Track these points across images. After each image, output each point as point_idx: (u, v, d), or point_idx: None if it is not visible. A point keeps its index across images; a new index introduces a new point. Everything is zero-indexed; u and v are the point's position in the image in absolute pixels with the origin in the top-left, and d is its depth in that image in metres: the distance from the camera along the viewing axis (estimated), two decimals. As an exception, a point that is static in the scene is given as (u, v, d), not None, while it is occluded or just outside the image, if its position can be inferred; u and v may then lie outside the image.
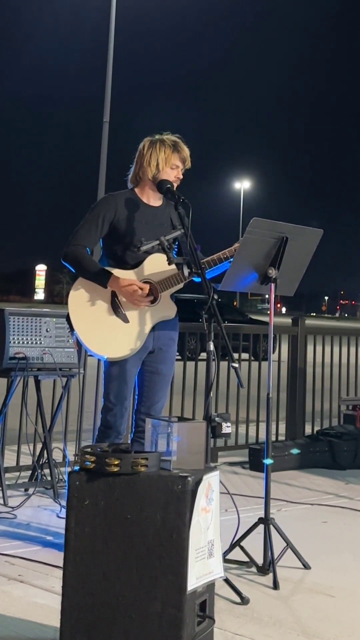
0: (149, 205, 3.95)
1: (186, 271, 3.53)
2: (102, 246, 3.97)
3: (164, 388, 4.00)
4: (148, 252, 3.77)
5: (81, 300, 3.81)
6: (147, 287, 3.77)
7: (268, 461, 3.86)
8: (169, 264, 3.60)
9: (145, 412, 3.92)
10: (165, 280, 3.81)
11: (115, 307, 3.78)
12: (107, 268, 3.85)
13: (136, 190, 3.98)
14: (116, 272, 3.81)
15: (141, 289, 3.74)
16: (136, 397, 4.00)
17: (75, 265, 3.82)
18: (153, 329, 3.83)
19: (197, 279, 3.60)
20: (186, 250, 3.76)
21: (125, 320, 3.78)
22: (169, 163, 3.89)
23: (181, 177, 3.95)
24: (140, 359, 3.88)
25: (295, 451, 6.34)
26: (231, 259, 3.83)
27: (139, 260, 3.84)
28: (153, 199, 3.97)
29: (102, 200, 3.97)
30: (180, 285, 3.83)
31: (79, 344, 3.89)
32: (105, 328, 3.78)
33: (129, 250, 3.84)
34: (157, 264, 3.82)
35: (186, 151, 3.94)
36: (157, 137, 3.96)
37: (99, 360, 4.12)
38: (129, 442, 4.09)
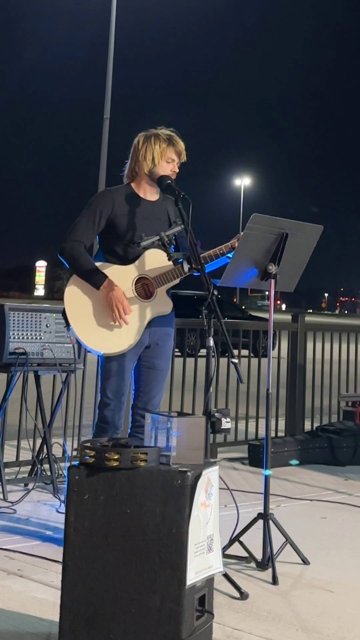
0: (146, 200, 3.95)
1: (186, 267, 3.53)
2: (99, 241, 3.96)
3: (160, 383, 4.00)
4: (145, 247, 3.77)
5: (78, 296, 3.80)
6: (130, 310, 3.76)
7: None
8: (169, 259, 3.60)
9: (142, 407, 3.92)
10: (162, 275, 3.81)
11: None
12: (104, 263, 3.84)
13: (132, 185, 3.97)
14: (113, 268, 3.81)
15: (124, 314, 3.73)
16: (133, 392, 4.00)
17: (72, 263, 3.81)
18: (149, 324, 3.83)
19: (196, 273, 3.61)
20: (185, 246, 3.77)
21: None
22: (165, 157, 3.89)
23: (177, 170, 3.94)
24: (137, 354, 3.88)
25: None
26: (228, 255, 3.83)
27: (136, 255, 3.84)
28: (150, 194, 3.97)
29: (99, 196, 3.96)
30: (177, 281, 3.83)
31: (75, 339, 3.90)
32: (102, 323, 3.77)
33: (126, 245, 3.84)
34: (153, 259, 3.82)
35: (181, 144, 3.93)
36: (151, 131, 3.95)
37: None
38: (127, 437, 4.09)
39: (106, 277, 3.76)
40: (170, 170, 3.90)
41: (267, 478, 3.85)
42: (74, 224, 3.89)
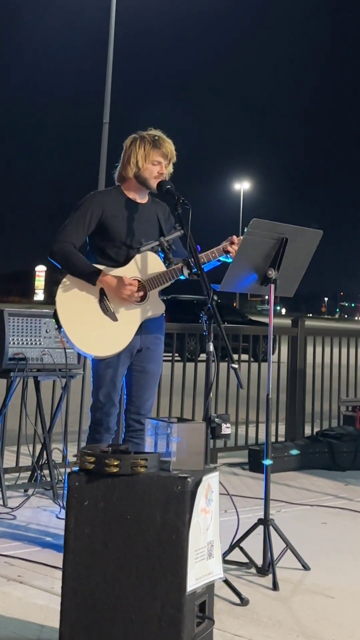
0: (135, 203, 3.95)
1: (186, 272, 3.53)
2: (88, 243, 3.94)
3: (152, 387, 3.99)
4: (137, 250, 3.75)
5: (69, 298, 3.79)
6: (136, 282, 3.76)
7: (267, 462, 3.86)
8: (168, 265, 3.60)
9: (135, 411, 3.92)
10: (154, 278, 3.80)
11: (104, 306, 3.77)
12: (95, 265, 3.83)
13: (122, 187, 3.97)
14: (105, 270, 3.80)
15: (131, 284, 3.73)
16: (125, 397, 3.98)
17: (64, 262, 3.80)
18: (140, 327, 3.82)
19: (182, 277, 3.63)
20: (180, 251, 3.78)
21: (114, 318, 3.76)
22: (149, 160, 3.87)
23: (164, 172, 3.90)
24: (130, 358, 3.87)
25: (294, 452, 6.34)
26: (219, 258, 3.84)
27: (127, 258, 3.83)
28: (139, 196, 3.97)
29: (88, 198, 3.94)
30: (169, 283, 3.83)
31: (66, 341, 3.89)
32: (93, 326, 3.76)
33: (117, 247, 3.84)
34: (145, 262, 3.81)
35: (167, 146, 3.90)
36: (139, 133, 3.94)
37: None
38: (120, 442, 4.08)
39: (100, 271, 3.75)
40: (156, 172, 3.88)
41: (267, 483, 3.84)
42: (63, 225, 3.88)
